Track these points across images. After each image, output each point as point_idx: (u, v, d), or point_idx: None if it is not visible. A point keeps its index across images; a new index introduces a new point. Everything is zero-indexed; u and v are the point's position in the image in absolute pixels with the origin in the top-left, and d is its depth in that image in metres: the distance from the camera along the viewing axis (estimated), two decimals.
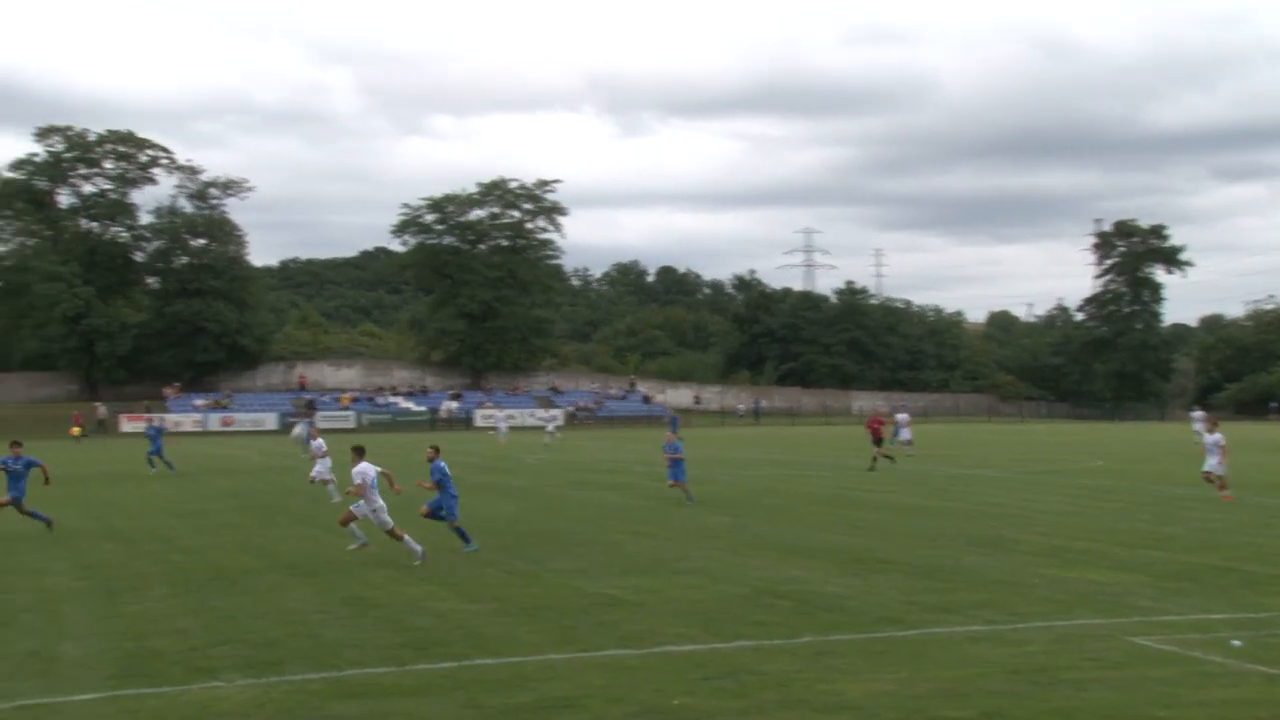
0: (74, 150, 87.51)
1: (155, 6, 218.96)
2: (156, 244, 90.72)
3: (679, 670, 10.78)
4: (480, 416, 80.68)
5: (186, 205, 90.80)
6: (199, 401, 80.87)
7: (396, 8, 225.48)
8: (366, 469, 17.89)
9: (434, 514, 18.60)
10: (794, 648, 11.69)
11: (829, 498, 27.56)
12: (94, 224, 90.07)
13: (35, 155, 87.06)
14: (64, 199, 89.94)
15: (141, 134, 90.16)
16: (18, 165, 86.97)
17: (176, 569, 17.20)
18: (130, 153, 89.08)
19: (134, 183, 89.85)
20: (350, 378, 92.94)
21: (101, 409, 75.05)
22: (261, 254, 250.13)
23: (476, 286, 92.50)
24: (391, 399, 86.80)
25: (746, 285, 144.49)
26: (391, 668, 10.99)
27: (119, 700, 9.96)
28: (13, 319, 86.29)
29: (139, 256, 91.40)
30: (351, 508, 18.24)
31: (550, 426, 57.88)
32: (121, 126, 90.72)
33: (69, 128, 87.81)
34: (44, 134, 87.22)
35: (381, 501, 17.82)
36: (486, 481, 33.01)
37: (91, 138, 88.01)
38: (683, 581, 15.73)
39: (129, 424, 73.89)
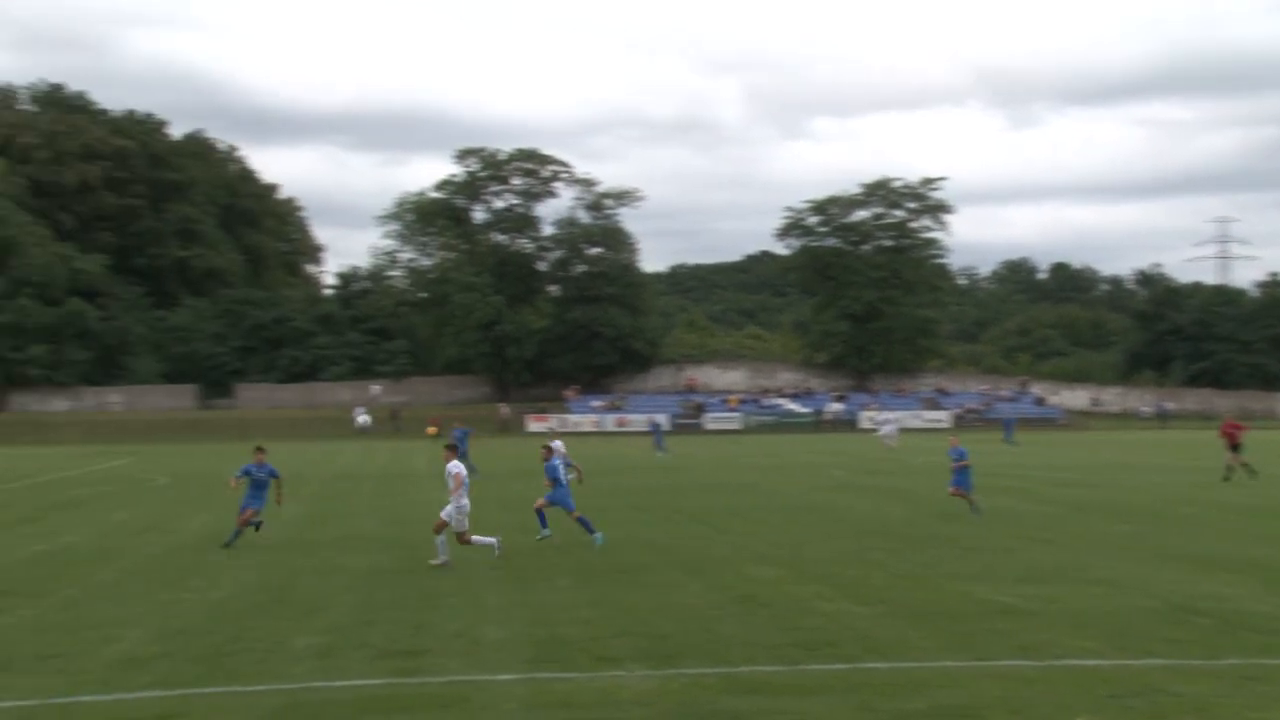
0: (487, 169, 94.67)
1: (559, 31, 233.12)
2: (557, 254, 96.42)
3: (1083, 685, 10.25)
4: (865, 418, 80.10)
5: (584, 216, 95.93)
6: (596, 403, 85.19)
7: (781, 14, 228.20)
8: (459, 468, 18.16)
9: (552, 506, 20.34)
10: (1216, 670, 10.82)
11: (1250, 508, 25.27)
12: (503, 237, 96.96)
13: (455, 176, 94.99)
14: (478, 215, 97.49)
15: (544, 151, 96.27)
16: (440, 185, 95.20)
17: (580, 562, 18.20)
18: (534, 169, 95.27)
19: (537, 197, 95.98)
20: (736, 380, 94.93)
21: (504, 409, 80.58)
22: (652, 260, 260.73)
23: (860, 287, 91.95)
24: (776, 401, 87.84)
25: (1150, 280, 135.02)
26: (782, 666, 11.13)
27: (534, 683, 10.68)
28: (436, 327, 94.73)
29: (541, 266, 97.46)
30: (443, 513, 18.07)
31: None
32: (528, 145, 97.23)
33: (483, 149, 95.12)
34: (462, 156, 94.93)
35: (467, 502, 18.04)
36: (873, 484, 32.74)
37: (502, 157, 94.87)
38: (1084, 592, 14.94)
39: (534, 424, 79.10)
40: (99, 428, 77.67)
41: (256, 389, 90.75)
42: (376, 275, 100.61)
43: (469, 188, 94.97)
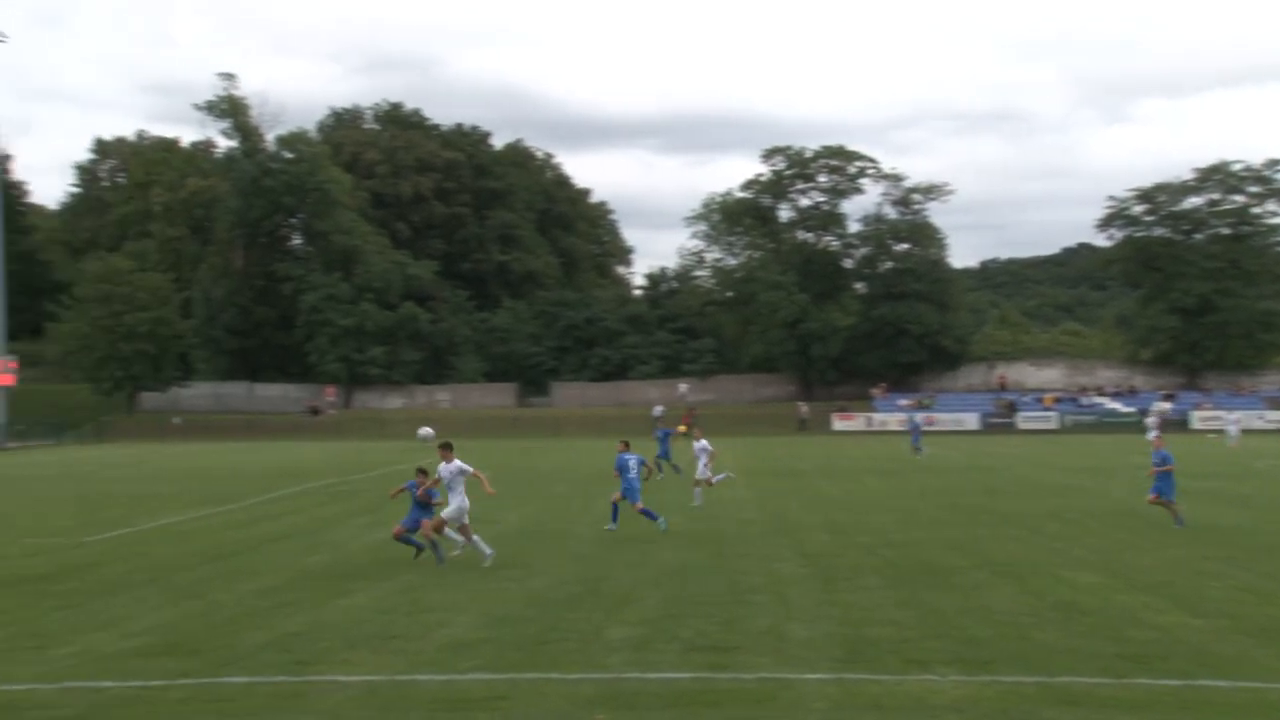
0: (793, 168, 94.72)
1: (865, 27, 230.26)
2: (863, 251, 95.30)
3: None
4: (1197, 418, 74.78)
5: (890, 212, 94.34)
6: (903, 401, 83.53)
7: None
8: (455, 467, 17.90)
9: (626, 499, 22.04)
10: None
11: None
12: (809, 235, 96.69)
13: (761, 175, 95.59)
14: (784, 213, 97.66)
15: (851, 147, 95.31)
16: (747, 185, 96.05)
17: (887, 562, 17.90)
18: (840, 166, 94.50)
19: (844, 194, 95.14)
20: (1052, 378, 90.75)
21: (803, 408, 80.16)
22: (961, 256, 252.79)
23: (1192, 279, 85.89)
24: (1097, 399, 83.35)
25: None
26: (1107, 679, 10.56)
27: (843, 684, 10.59)
28: (741, 325, 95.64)
29: (847, 263, 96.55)
30: (443, 513, 18.01)
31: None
32: (834, 142, 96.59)
33: (789, 147, 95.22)
34: (769, 155, 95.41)
35: (463, 502, 17.85)
36: (1207, 488, 30.49)
37: (808, 155, 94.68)
38: None
39: (839, 422, 78.46)
40: (429, 424, 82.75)
41: (570, 387, 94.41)
42: (684, 275, 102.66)
43: (775, 186, 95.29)
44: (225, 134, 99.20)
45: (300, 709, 9.86)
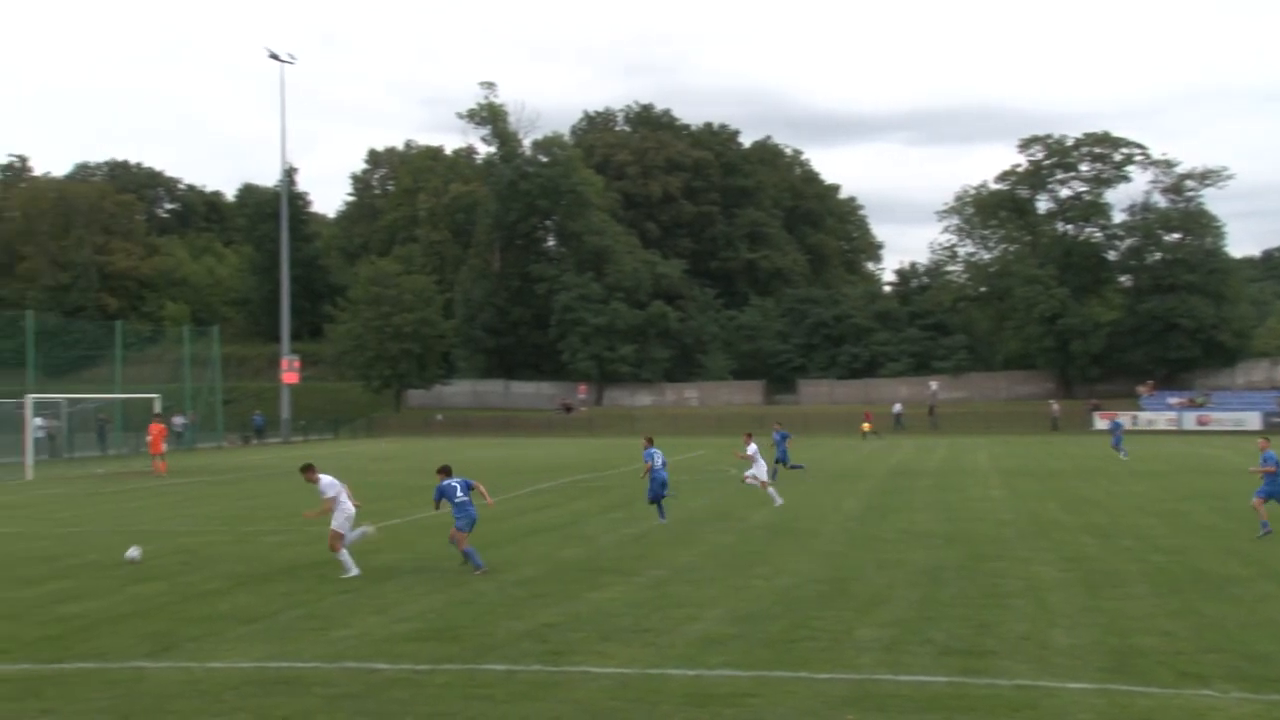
0: (1053, 157, 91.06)
1: (1126, 6, 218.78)
2: (1129, 241, 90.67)
3: None
4: None
5: (1160, 200, 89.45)
6: (1173, 400, 78.86)
7: None
8: (335, 481, 17.47)
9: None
10: None
11: None
12: (1069, 226, 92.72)
13: (1018, 166, 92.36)
14: (1042, 204, 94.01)
15: (1116, 134, 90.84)
16: (1002, 177, 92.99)
17: (1156, 568, 16.96)
18: (1105, 153, 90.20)
19: (1108, 182, 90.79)
20: None
21: (1056, 406, 76.62)
22: (1241, 245, 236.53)
23: None
24: None
25: None
26: None
27: (1109, 694, 10.09)
28: (996, 321, 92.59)
29: (1111, 255, 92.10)
30: (334, 525, 17.21)
31: None
32: (1096, 129, 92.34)
33: (1048, 136, 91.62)
34: (1026, 144, 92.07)
35: (350, 508, 17.26)
36: None
37: (1069, 143, 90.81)
38: None
39: (1101, 421, 74.82)
40: (677, 420, 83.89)
41: (817, 385, 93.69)
42: (935, 270, 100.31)
43: (1033, 177, 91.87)
44: (485, 140, 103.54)
45: (555, 698, 10.15)
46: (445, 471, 17.64)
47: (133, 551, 18.13)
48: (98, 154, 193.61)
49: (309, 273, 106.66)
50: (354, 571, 16.89)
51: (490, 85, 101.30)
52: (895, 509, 26.06)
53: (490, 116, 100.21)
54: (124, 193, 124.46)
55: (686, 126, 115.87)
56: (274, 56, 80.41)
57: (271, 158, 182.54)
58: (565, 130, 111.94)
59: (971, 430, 72.07)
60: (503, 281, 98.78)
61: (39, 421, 46.91)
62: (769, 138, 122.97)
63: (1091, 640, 12.19)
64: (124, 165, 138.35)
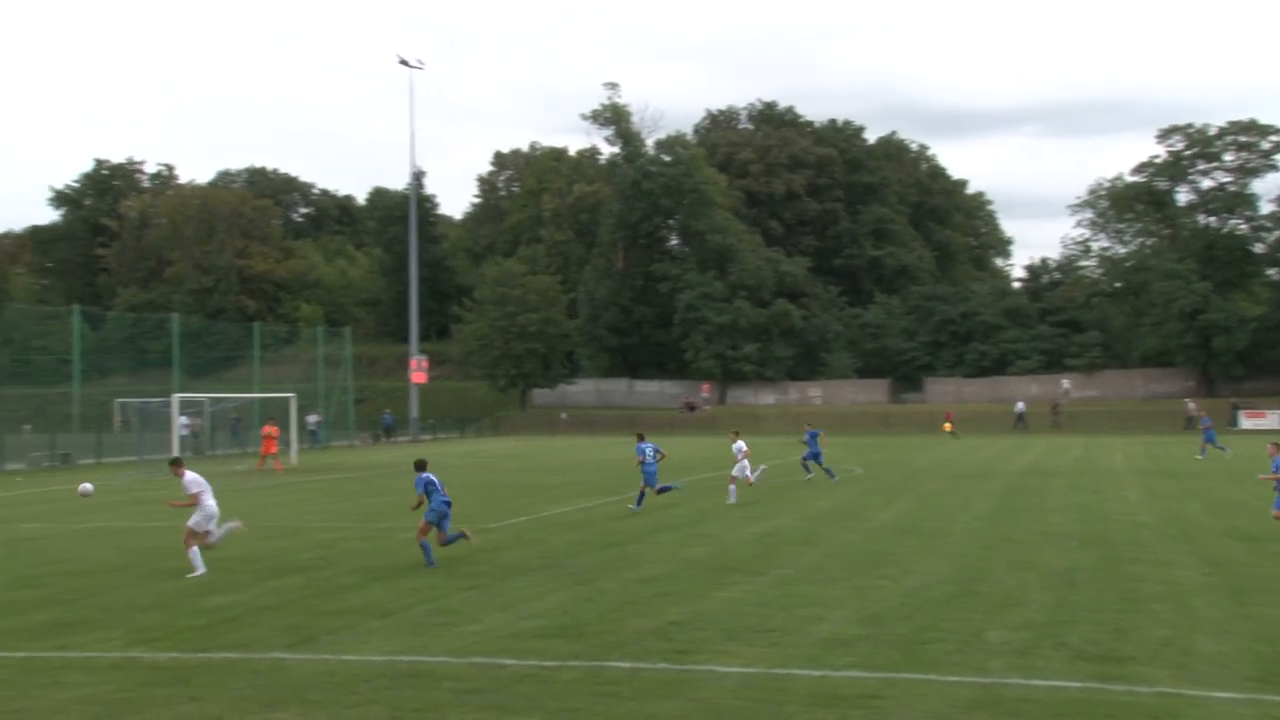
0: (1193, 147, 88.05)
1: None
2: (1277, 233, 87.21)
3: None
4: None
5: None
6: None
7: None
8: (200, 479, 17.62)
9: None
10: None
11: None
12: (1211, 218, 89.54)
13: (1155, 157, 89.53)
14: (1182, 196, 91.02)
15: (1263, 121, 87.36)
16: (1139, 168, 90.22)
17: None
18: (1251, 141, 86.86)
19: (1254, 172, 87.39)
20: None
21: (1190, 405, 73.92)
22: None
23: None
24: None
25: None
26: None
27: (1260, 705, 9.70)
28: (1132, 317, 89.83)
29: (1258, 248, 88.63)
30: (190, 523, 17.45)
31: None
32: (1241, 117, 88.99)
33: (1189, 126, 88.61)
34: (1165, 135, 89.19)
35: (212, 505, 17.48)
36: None
37: (1211, 132, 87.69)
38: None
39: (1247, 421, 72.06)
40: (801, 419, 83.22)
41: (944, 383, 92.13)
42: (1067, 266, 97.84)
43: (1172, 168, 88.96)
44: (608, 141, 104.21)
45: (680, 696, 10.17)
46: (421, 466, 18.36)
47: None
48: (238, 161, 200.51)
49: (436, 274, 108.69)
50: (201, 570, 17.12)
51: (614, 86, 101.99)
52: (1026, 510, 25.46)
53: (614, 117, 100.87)
54: (262, 198, 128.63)
55: (810, 124, 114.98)
56: (404, 63, 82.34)
57: (401, 161, 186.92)
58: (688, 130, 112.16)
59: (1105, 429, 70.09)
60: (626, 281, 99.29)
61: (183, 420, 48.72)
62: (894, 133, 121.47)
63: (1239, 648, 11.74)
64: (262, 171, 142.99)
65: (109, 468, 45.87)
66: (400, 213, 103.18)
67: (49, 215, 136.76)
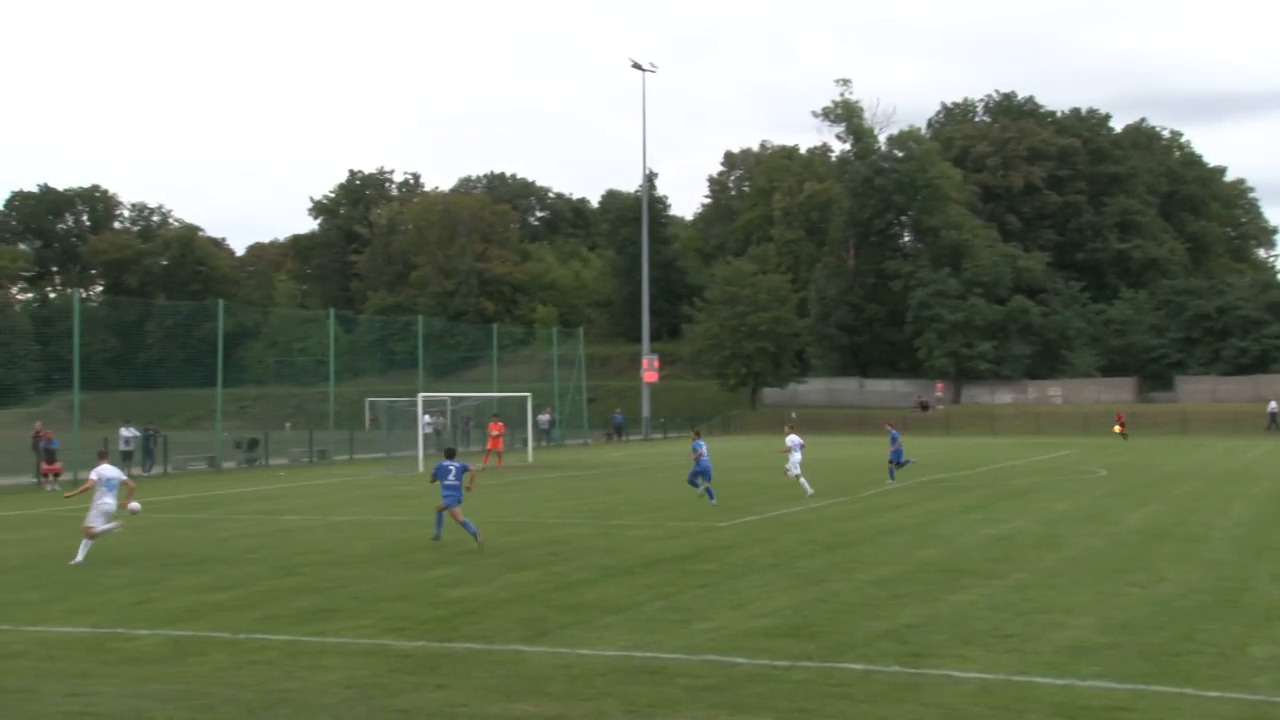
0: None
1: None
2: None
3: None
4: None
5: None
6: None
7: None
8: (108, 474, 18.60)
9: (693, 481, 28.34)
10: None
11: None
12: None
13: None
14: None
15: None
16: None
17: None
18: None
19: None
20: None
21: None
22: None
23: None
24: None
25: None
26: None
27: None
28: None
29: None
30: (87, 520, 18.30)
31: None
32: None
33: None
34: None
35: (110, 503, 18.31)
36: None
37: None
38: None
39: None
40: (1040, 419, 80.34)
41: (1198, 381, 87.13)
42: None
43: None
44: (839, 138, 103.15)
45: (915, 700, 9.97)
46: (449, 453, 20.96)
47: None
48: (478, 168, 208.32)
49: (668, 274, 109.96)
50: (80, 559, 18.17)
51: (845, 82, 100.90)
52: None
53: (845, 113, 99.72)
54: (500, 203, 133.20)
55: (1051, 114, 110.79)
56: (637, 66, 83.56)
57: (633, 164, 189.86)
58: (921, 124, 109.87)
59: None
60: (857, 279, 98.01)
61: (427, 418, 50.88)
62: (1143, 120, 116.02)
63: None
64: (500, 177, 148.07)
65: (360, 464, 48.40)
66: (632, 214, 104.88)
67: (308, 224, 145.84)
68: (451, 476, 19.84)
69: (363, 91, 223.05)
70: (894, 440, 34.77)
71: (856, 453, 52.55)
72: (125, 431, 43.84)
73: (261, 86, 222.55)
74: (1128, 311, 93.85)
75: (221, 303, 52.37)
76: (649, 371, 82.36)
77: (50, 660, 11.84)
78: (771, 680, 10.68)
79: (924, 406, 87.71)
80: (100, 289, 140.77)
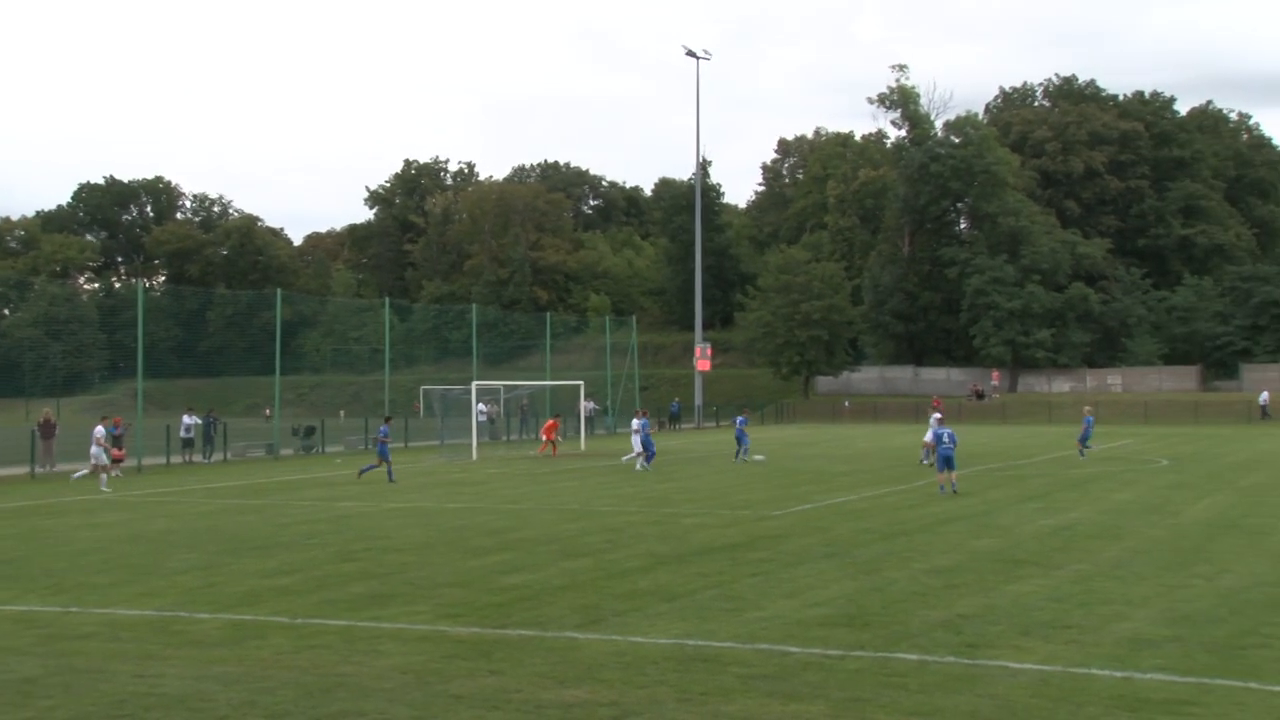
0: None
1: None
2: None
3: None
4: None
5: None
6: None
7: None
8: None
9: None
10: None
11: None
12: None
13: None
14: None
15: None
16: None
17: None
18: None
19: None
20: None
21: None
22: None
23: None
24: None
25: None
26: None
27: None
28: None
29: None
30: None
31: None
32: None
33: None
34: None
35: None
36: None
37: None
38: None
39: None
40: (1099, 408, 79.05)
41: (1265, 369, 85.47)
42: None
43: None
44: (895, 124, 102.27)
45: (971, 691, 9.86)
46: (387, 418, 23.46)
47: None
48: (532, 156, 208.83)
49: (721, 262, 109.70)
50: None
51: (902, 68, 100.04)
52: None
53: (901, 99, 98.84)
54: (554, 192, 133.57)
55: (1113, 97, 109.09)
56: (690, 54, 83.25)
57: (686, 151, 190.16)
58: (979, 109, 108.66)
59: None
60: (912, 266, 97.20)
61: (481, 406, 51.13)
62: (1209, 103, 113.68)
63: None
64: (554, 166, 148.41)
65: (415, 451, 48.77)
66: (685, 202, 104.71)
67: (364, 214, 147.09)
68: None
69: (418, 82, 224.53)
70: (1088, 425, 39.15)
71: (912, 441, 52.13)
72: (187, 419, 44.52)
73: (318, 78, 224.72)
74: (1191, 298, 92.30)
75: (280, 292, 52.92)
76: (702, 360, 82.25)
77: (118, 642, 12.05)
78: (825, 669, 10.62)
79: (979, 395, 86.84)
80: (163, 279, 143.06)
